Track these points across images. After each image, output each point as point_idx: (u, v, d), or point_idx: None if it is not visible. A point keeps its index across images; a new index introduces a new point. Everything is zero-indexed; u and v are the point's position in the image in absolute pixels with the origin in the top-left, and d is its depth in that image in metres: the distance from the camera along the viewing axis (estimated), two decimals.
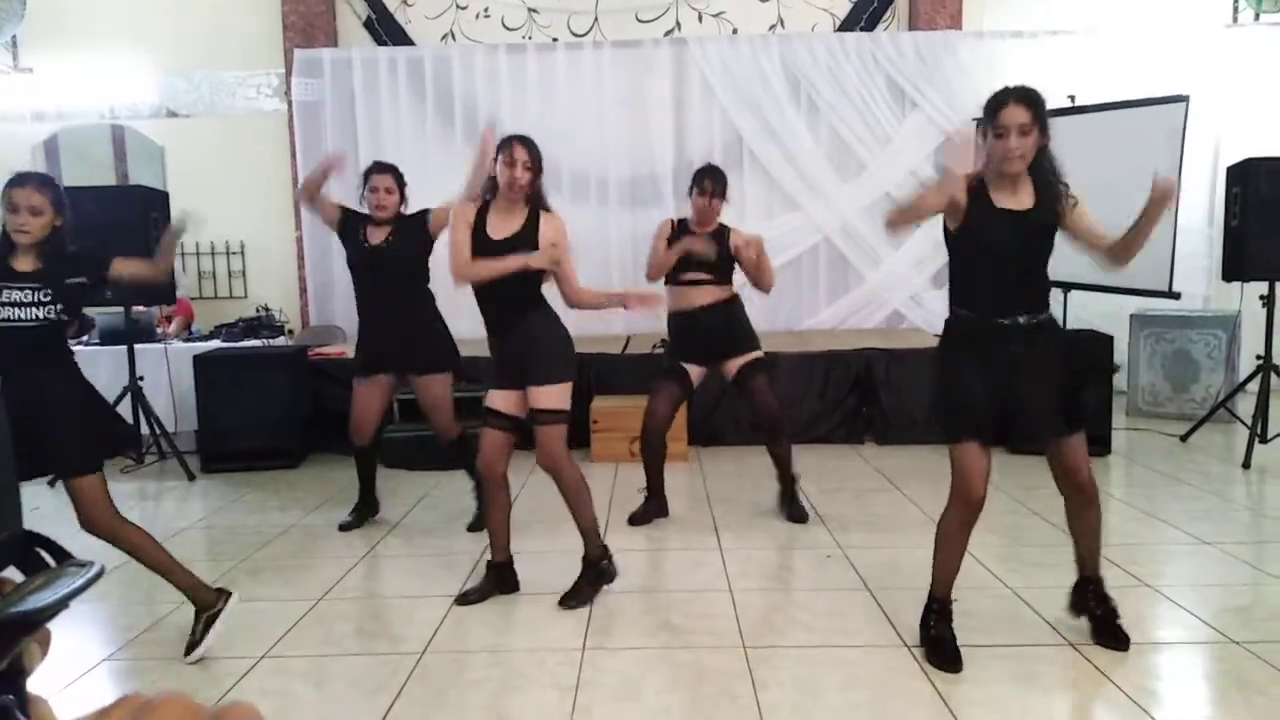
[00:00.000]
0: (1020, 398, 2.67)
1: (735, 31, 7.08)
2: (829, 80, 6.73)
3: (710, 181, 3.93)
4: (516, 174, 3.05)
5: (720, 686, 2.59)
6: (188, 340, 5.99)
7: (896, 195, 6.87)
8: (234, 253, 7.16)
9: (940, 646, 2.73)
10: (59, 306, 2.85)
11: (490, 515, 3.33)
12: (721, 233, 4.01)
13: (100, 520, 2.84)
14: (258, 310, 6.40)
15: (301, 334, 6.69)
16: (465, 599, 3.25)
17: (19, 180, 2.83)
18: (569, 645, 2.89)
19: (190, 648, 2.87)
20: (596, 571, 3.26)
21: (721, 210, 4.01)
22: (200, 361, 5.37)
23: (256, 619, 3.16)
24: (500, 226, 3.13)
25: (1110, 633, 2.78)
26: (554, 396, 3.13)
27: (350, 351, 5.89)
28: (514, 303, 3.13)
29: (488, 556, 3.39)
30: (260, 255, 7.17)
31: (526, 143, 3.11)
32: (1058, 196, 2.67)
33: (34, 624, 0.47)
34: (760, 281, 3.99)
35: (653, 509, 4.22)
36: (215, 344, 5.84)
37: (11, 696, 0.49)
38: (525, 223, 3.13)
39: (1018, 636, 2.85)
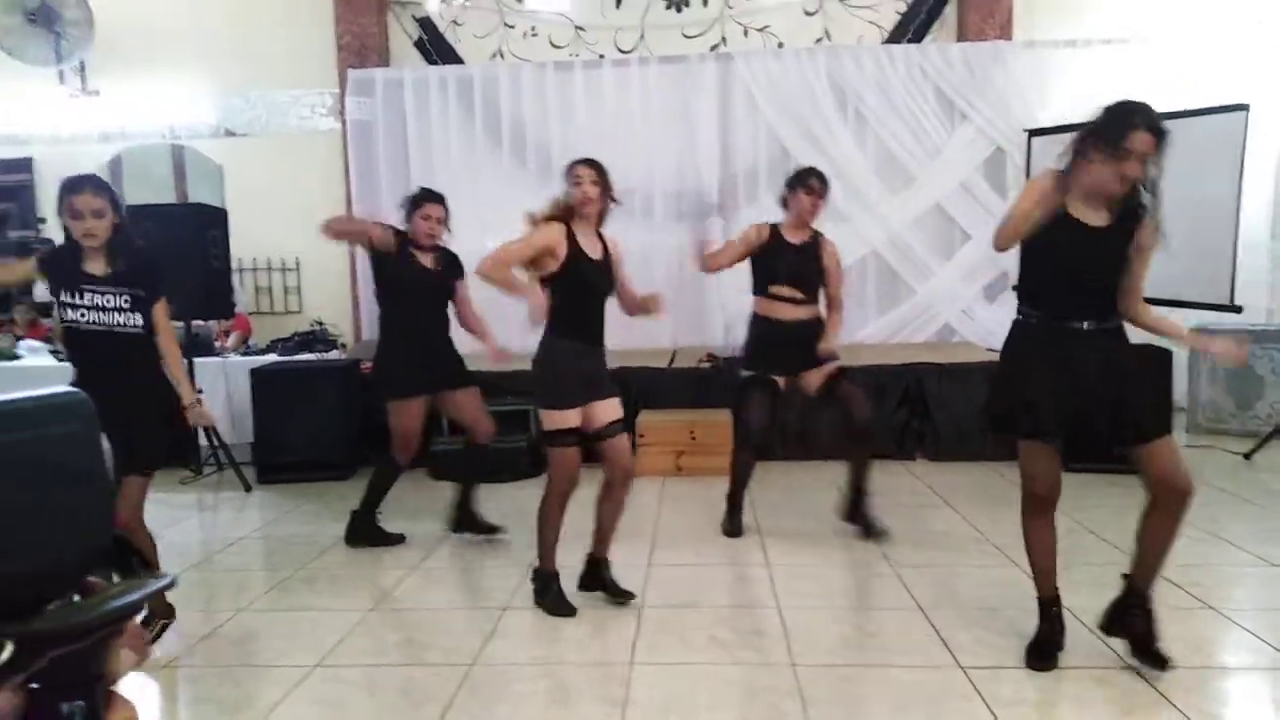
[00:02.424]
0: (1090, 403, 2.61)
1: (781, 46, 7.08)
2: (876, 93, 6.69)
3: (818, 180, 3.97)
4: (586, 189, 3.16)
5: (769, 704, 2.57)
6: (245, 354, 6.14)
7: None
8: (289, 269, 7.33)
9: (1033, 646, 2.78)
10: (137, 314, 2.99)
11: (553, 529, 3.31)
12: (815, 241, 4.03)
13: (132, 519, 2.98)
14: (312, 325, 6.54)
15: (354, 348, 6.81)
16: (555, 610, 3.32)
17: (75, 186, 2.91)
18: (617, 660, 2.89)
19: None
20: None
21: (821, 213, 4.02)
22: (257, 375, 5.50)
23: (310, 628, 3.22)
24: (590, 247, 3.23)
25: (1150, 652, 2.68)
26: (620, 406, 3.32)
27: None
28: (602, 318, 3.29)
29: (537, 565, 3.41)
30: (315, 271, 7.32)
31: (589, 162, 3.23)
32: (1136, 220, 2.60)
33: (70, 637, 0.48)
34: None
35: (739, 520, 4.20)
36: (271, 358, 5.97)
37: (81, 702, 0.51)
38: (604, 245, 3.29)
39: (1075, 658, 2.79)
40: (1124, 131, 2.47)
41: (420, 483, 5.20)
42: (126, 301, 2.96)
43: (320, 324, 6.54)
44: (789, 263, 3.97)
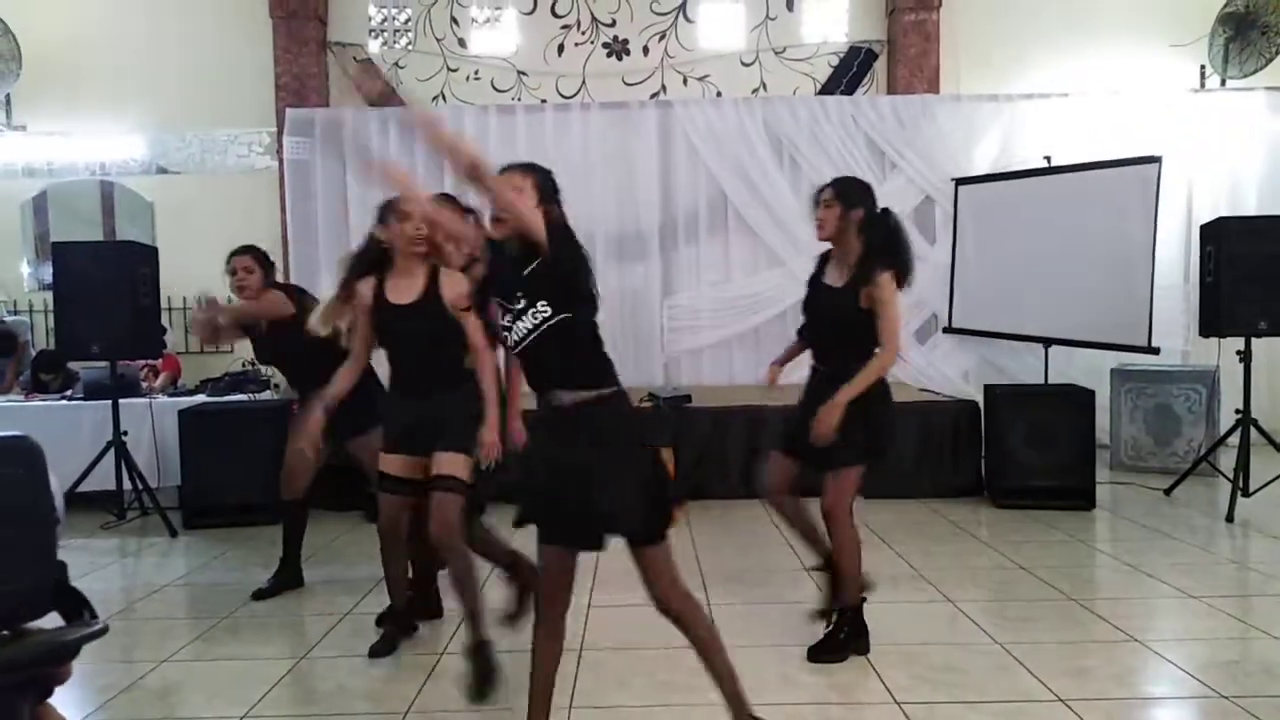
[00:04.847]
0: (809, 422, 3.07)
1: (719, 94, 7.26)
2: (811, 142, 6.89)
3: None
4: (420, 225, 2.95)
5: None
6: (173, 395, 5.96)
7: None
8: None
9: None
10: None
11: (390, 565, 3.30)
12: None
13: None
14: (244, 365, 6.39)
15: (287, 389, 6.66)
16: (375, 652, 3.26)
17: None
18: (556, 704, 2.83)
19: None
20: (481, 658, 2.84)
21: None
22: (185, 416, 5.35)
23: (237, 678, 3.10)
24: (401, 291, 3.04)
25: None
26: (458, 464, 2.98)
27: None
28: (433, 367, 3.06)
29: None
30: None
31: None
32: (865, 279, 3.01)
33: None
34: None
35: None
36: (200, 398, 5.81)
37: None
38: (426, 284, 3.03)
39: (1008, 693, 2.84)
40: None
41: (357, 527, 5.08)
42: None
43: (252, 364, 6.39)
44: None
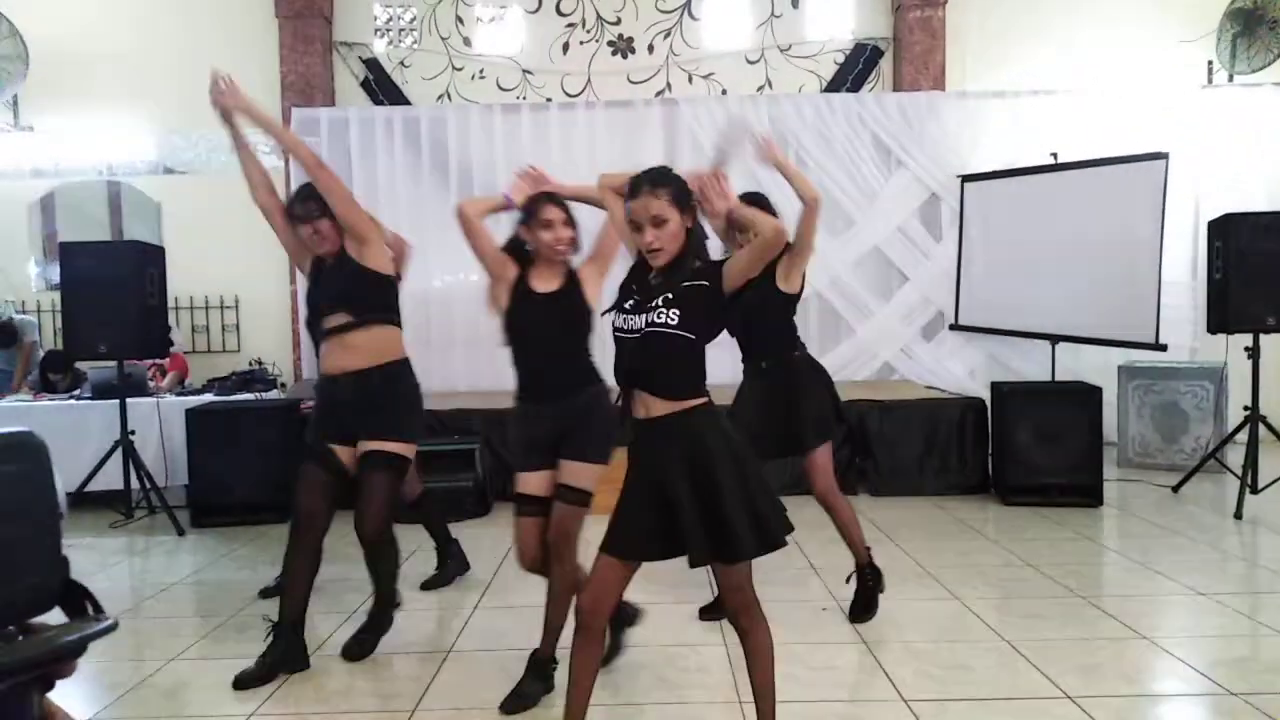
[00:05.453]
0: (765, 416, 3.39)
1: (724, 92, 7.26)
2: (816, 139, 6.88)
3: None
4: (560, 234, 2.85)
5: None
6: (180, 394, 5.98)
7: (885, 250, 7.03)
8: (228, 307, 7.20)
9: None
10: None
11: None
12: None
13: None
14: (251, 364, 6.42)
15: (294, 387, 6.69)
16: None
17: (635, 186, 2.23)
18: (554, 700, 2.84)
19: None
20: (544, 674, 2.90)
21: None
22: (192, 415, 5.36)
23: None
24: (543, 282, 2.90)
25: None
26: (589, 475, 2.87)
27: None
28: (567, 366, 2.89)
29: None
30: (254, 309, 7.21)
31: (557, 199, 2.91)
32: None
33: None
34: None
35: None
36: (208, 397, 5.83)
37: None
38: (566, 280, 2.92)
39: (1016, 690, 2.83)
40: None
41: None
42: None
43: (259, 363, 6.42)
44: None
